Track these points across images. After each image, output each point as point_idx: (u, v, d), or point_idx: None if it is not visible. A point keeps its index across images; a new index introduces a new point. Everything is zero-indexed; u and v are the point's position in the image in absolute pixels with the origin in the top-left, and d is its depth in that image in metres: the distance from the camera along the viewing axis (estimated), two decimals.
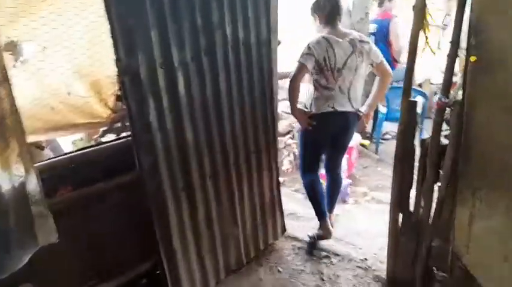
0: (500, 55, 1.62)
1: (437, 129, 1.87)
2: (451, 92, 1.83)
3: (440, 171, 1.96)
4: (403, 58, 4.92)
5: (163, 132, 1.79)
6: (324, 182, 3.28)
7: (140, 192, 1.81)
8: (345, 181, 3.43)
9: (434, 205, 1.97)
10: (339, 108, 2.48)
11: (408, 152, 1.98)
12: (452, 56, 1.78)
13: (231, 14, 1.93)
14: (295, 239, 2.58)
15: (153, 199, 1.83)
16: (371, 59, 2.51)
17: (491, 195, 1.77)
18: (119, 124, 1.97)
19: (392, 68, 4.74)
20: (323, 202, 2.71)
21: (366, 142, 3.78)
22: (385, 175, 3.83)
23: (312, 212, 3.08)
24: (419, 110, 4.35)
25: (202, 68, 1.88)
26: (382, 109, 4.59)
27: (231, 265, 2.25)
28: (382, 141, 4.64)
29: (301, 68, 2.36)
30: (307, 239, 2.64)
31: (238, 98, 2.12)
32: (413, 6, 1.81)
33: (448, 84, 1.80)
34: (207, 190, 2.05)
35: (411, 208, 2.10)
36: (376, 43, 4.46)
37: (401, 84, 4.63)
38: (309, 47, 2.41)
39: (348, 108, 2.52)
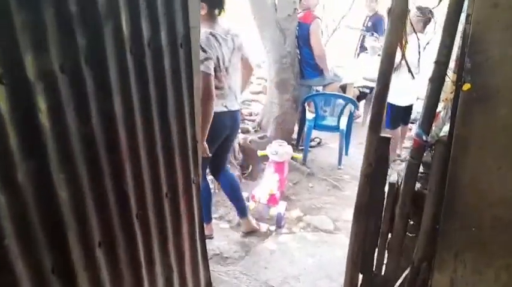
0: (504, 84, 1.23)
1: (412, 173, 1.45)
2: (433, 127, 1.41)
3: (410, 221, 1.56)
4: (331, 64, 4.60)
5: (10, 191, 1.06)
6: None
7: None
8: (282, 204, 2.95)
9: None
10: (231, 108, 2.42)
11: (376, 200, 1.54)
12: (437, 80, 1.35)
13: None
14: None
15: None
16: (242, 53, 2.44)
17: (478, 259, 1.41)
18: None
19: (317, 75, 4.40)
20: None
21: (299, 155, 3.37)
22: (317, 192, 3.47)
23: (241, 249, 2.56)
24: (343, 125, 4.15)
25: (83, 84, 1.18)
26: (309, 115, 4.23)
27: None
28: (309, 149, 4.30)
29: (208, 79, 2.10)
30: None
31: (144, 124, 1.45)
32: (389, 10, 1.34)
33: (429, 117, 1.38)
34: (96, 264, 1.35)
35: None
36: (300, 47, 4.05)
37: (327, 91, 4.36)
38: (203, 50, 2.10)
39: (236, 106, 2.47)
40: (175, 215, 1.69)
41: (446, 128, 1.39)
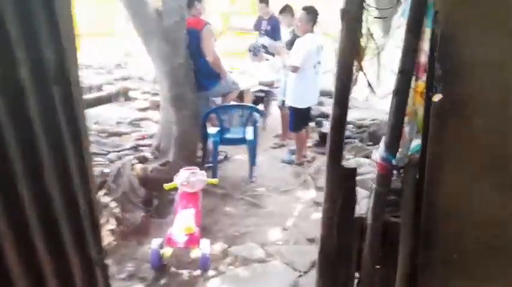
0: (479, 91, 1.06)
1: (381, 204, 1.21)
2: (400, 148, 1.19)
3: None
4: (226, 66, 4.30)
5: None
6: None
7: None
8: (204, 242, 2.50)
9: None
10: None
11: (345, 244, 1.25)
12: (402, 93, 1.13)
13: None
14: None
15: None
16: None
17: None
18: None
19: (216, 82, 4.07)
20: None
21: (214, 181, 2.96)
22: (237, 216, 3.13)
23: None
24: (250, 136, 3.92)
25: None
26: (212, 130, 3.87)
27: None
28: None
29: None
30: None
31: (7, 201, 0.92)
32: (342, 12, 1.06)
33: (396, 136, 1.15)
34: None
35: None
36: (192, 57, 3.65)
37: (227, 100, 4.07)
38: None
39: None
40: None
41: (413, 145, 1.19)
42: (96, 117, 5.15)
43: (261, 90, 5.21)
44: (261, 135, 4.94)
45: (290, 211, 3.16)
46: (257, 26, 5.61)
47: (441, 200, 1.14)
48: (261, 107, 5.09)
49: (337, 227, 1.20)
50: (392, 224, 1.24)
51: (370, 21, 1.16)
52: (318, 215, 3.18)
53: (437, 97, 1.06)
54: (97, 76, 7.30)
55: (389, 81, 1.25)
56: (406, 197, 1.17)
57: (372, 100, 3.14)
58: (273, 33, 5.20)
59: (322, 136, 4.72)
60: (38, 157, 1.02)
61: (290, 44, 4.49)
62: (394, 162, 1.14)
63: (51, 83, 0.97)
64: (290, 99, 3.99)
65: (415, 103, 1.17)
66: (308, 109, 4.07)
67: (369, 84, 1.28)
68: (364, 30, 1.08)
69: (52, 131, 1.05)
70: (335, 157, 1.15)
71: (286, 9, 4.70)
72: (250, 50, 5.13)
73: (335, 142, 1.14)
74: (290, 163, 4.15)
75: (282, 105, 4.66)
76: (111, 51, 8.68)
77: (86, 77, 6.98)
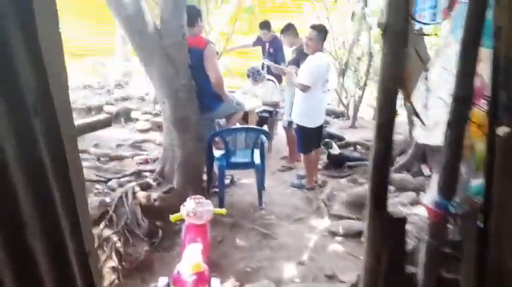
0: None
1: (435, 260, 1.01)
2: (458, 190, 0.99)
3: None
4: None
5: None
6: None
7: None
8: (214, 282, 2.26)
9: None
10: None
11: None
12: (459, 124, 0.94)
13: None
14: None
15: None
16: None
17: None
18: None
19: (219, 104, 3.89)
20: None
21: (222, 211, 2.75)
22: (248, 249, 2.89)
23: None
24: (258, 160, 3.74)
25: None
26: (217, 153, 3.67)
27: None
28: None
29: None
30: None
31: None
32: (383, 27, 0.89)
33: (452, 178, 0.96)
34: None
35: None
36: (196, 77, 3.47)
37: (232, 121, 3.88)
38: None
39: None
40: None
41: (472, 185, 0.99)
42: (96, 140, 4.97)
43: (265, 111, 5.05)
44: (266, 157, 4.75)
45: (304, 243, 2.93)
46: (256, 43, 5.54)
47: (510, 259, 0.94)
48: (265, 127, 4.92)
49: (385, 284, 1.00)
50: (448, 281, 1.03)
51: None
52: (334, 246, 2.98)
53: (502, 130, 0.87)
54: (97, 97, 7.16)
55: (436, 110, 1.06)
56: (467, 252, 0.97)
57: (416, 133, 2.87)
58: (276, 54, 5.11)
59: (332, 158, 4.54)
60: (18, 206, 0.83)
61: (294, 64, 4.35)
62: (451, 209, 0.94)
63: (31, 114, 0.78)
64: (298, 118, 3.81)
65: (472, 136, 0.98)
66: (318, 129, 3.89)
67: (417, 115, 1.08)
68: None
69: (34, 173, 0.86)
70: (378, 202, 0.95)
71: (290, 29, 4.58)
72: (249, 76, 5.02)
73: (378, 184, 0.95)
74: (300, 187, 3.94)
75: (288, 127, 4.49)
76: (111, 70, 8.57)
77: (86, 97, 6.84)
